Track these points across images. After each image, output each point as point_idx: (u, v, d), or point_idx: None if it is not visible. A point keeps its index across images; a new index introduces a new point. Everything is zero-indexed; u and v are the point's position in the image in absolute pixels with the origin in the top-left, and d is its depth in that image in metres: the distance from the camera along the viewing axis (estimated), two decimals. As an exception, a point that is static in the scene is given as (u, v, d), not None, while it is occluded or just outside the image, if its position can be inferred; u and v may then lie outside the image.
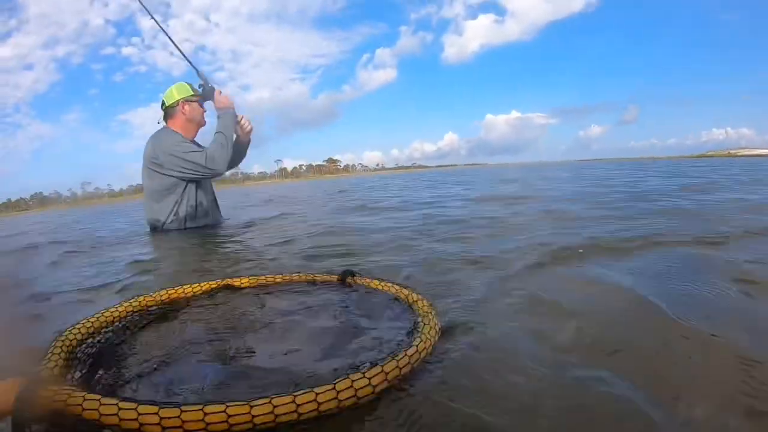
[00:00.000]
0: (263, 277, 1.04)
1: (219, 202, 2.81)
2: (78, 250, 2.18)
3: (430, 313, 0.71)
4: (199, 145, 2.50)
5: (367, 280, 0.95)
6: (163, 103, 2.57)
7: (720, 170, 7.44)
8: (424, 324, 0.66)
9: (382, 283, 0.91)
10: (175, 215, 2.50)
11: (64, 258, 1.96)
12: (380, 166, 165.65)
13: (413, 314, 0.74)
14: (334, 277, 1.00)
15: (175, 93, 2.55)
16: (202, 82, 2.62)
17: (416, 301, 0.78)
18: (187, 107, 2.54)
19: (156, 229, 2.55)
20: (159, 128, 2.56)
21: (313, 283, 1.02)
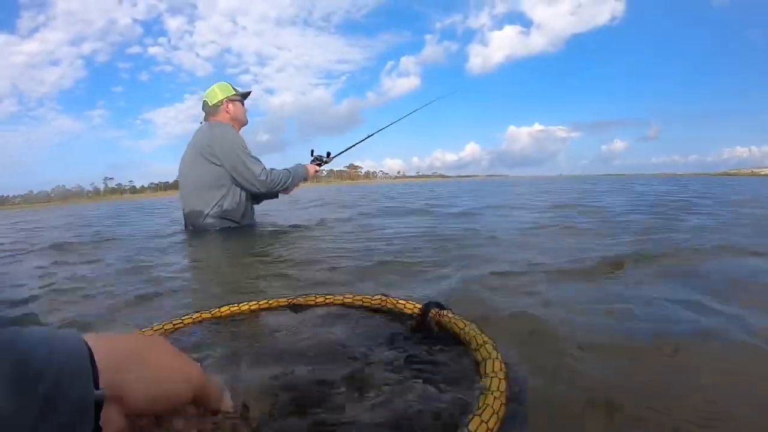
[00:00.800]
0: (334, 296, 0.89)
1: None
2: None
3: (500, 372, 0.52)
4: (257, 159, 2.49)
5: (453, 319, 0.69)
6: (205, 103, 2.58)
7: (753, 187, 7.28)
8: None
9: (467, 327, 0.65)
10: (218, 208, 2.44)
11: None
12: (401, 173, 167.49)
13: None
14: (416, 307, 0.77)
15: (218, 92, 2.57)
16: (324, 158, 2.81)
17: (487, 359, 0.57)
18: (231, 106, 2.57)
19: (194, 223, 2.50)
20: (211, 123, 2.53)
21: (384, 309, 0.82)
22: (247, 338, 0.76)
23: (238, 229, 2.49)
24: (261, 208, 2.91)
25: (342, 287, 1.07)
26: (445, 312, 0.69)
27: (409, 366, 0.60)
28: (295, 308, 0.88)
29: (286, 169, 2.55)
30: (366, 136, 3.15)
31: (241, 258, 1.67)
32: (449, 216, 2.94)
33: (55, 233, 3.39)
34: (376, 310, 0.83)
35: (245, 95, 2.70)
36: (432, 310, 0.71)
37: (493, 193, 6.69)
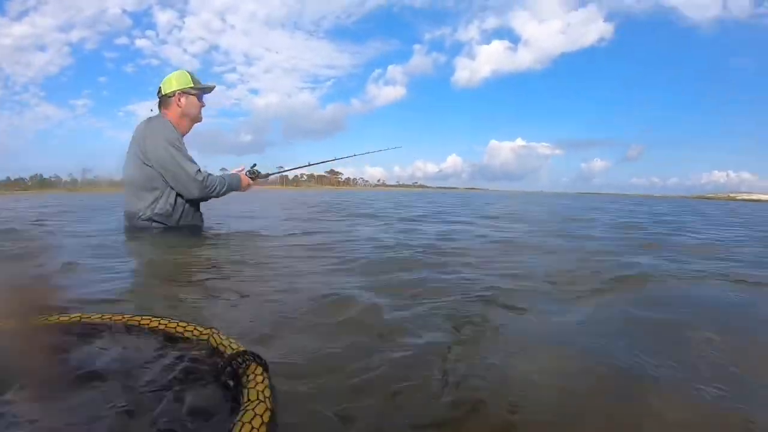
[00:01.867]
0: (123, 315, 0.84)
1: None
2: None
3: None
4: (191, 159, 2.36)
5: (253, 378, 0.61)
6: (159, 90, 2.46)
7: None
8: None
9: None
10: (151, 210, 2.35)
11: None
12: (381, 182, 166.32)
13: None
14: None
15: (173, 82, 2.44)
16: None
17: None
18: (183, 100, 2.43)
19: (131, 224, 2.42)
20: (153, 115, 2.43)
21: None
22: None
23: (171, 230, 2.38)
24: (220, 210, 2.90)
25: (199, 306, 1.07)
26: (255, 370, 0.60)
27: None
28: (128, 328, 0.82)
29: (222, 176, 2.43)
30: (305, 164, 3.16)
31: (151, 263, 1.69)
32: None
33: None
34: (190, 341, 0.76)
35: (204, 89, 2.52)
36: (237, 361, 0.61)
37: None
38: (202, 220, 2.62)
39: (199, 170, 2.31)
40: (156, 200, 2.36)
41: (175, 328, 0.78)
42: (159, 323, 0.80)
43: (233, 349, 0.67)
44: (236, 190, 2.53)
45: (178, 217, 2.41)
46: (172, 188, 2.35)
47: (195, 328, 0.77)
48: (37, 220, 3.51)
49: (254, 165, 2.69)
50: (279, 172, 2.93)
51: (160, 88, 2.46)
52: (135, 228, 2.39)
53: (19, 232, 2.64)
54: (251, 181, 2.62)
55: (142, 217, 2.36)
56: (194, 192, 2.32)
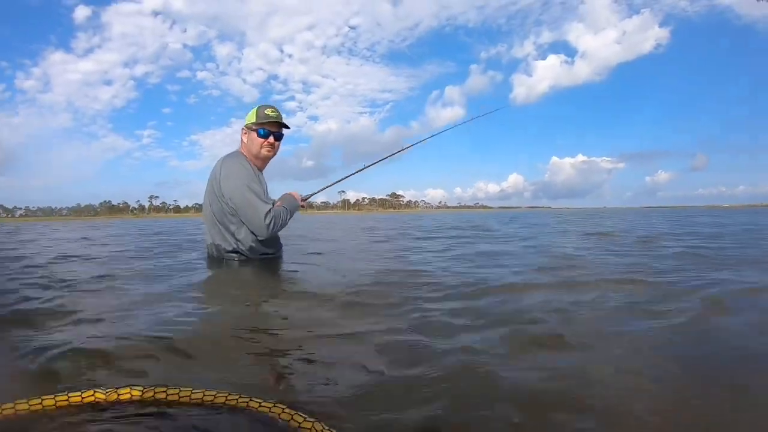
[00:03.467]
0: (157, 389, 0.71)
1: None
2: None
3: None
4: (264, 200, 2.33)
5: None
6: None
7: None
8: None
9: None
10: (231, 245, 2.44)
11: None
12: (443, 203, 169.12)
13: None
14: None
15: (246, 118, 2.51)
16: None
17: None
18: (245, 137, 2.49)
19: (215, 255, 2.52)
20: (228, 155, 2.49)
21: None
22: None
23: (251, 262, 2.46)
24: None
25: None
26: None
27: None
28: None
29: (283, 207, 2.41)
30: (350, 174, 3.00)
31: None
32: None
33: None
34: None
35: (261, 123, 2.44)
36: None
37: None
38: (280, 249, 2.73)
39: (269, 212, 2.29)
40: (235, 233, 2.42)
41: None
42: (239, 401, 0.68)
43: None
44: (296, 211, 2.58)
45: (259, 249, 2.47)
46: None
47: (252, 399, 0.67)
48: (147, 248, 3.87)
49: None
50: (322, 189, 2.89)
51: None
52: (218, 259, 2.49)
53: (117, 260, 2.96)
54: (304, 199, 2.68)
55: (225, 249, 2.46)
56: (263, 234, 2.33)
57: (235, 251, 2.45)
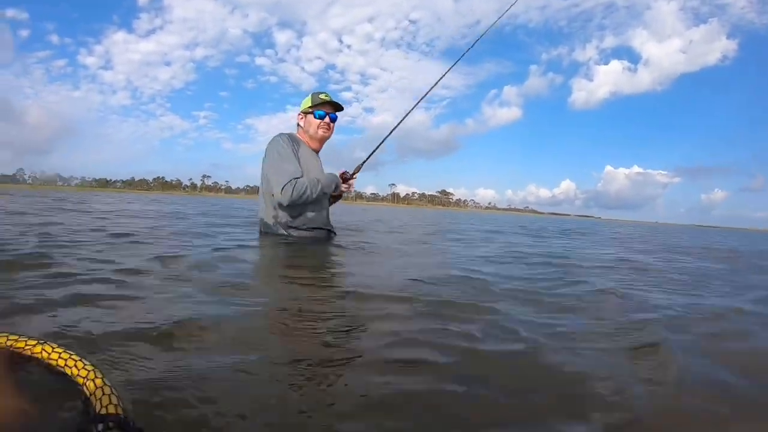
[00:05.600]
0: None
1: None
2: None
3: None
4: (291, 172, 2.44)
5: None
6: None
7: None
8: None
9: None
10: (275, 219, 2.59)
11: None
12: (492, 204, 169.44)
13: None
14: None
15: (302, 104, 2.75)
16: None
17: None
18: (302, 120, 2.73)
19: (262, 230, 2.71)
20: (283, 132, 2.68)
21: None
22: None
23: (295, 237, 2.56)
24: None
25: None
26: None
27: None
28: None
29: (316, 179, 2.53)
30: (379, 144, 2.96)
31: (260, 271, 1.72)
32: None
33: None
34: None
35: (316, 105, 2.67)
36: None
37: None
38: (329, 231, 2.77)
39: (289, 182, 2.40)
40: (277, 208, 2.58)
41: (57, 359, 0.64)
42: (44, 350, 0.66)
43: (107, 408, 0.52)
44: (336, 189, 2.70)
45: (291, 223, 2.58)
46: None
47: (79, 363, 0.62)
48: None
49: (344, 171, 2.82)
50: (364, 161, 2.92)
51: None
52: (265, 234, 2.67)
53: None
54: (349, 181, 2.79)
55: (268, 223, 2.64)
56: (280, 199, 2.45)
57: (275, 225, 2.61)
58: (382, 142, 2.98)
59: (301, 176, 2.48)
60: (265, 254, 2.26)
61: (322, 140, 2.75)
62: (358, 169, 2.86)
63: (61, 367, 0.63)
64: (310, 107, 2.69)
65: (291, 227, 2.58)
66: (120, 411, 0.53)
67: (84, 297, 1.08)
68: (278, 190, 2.43)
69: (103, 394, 0.55)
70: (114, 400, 0.54)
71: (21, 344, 0.68)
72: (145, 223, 3.63)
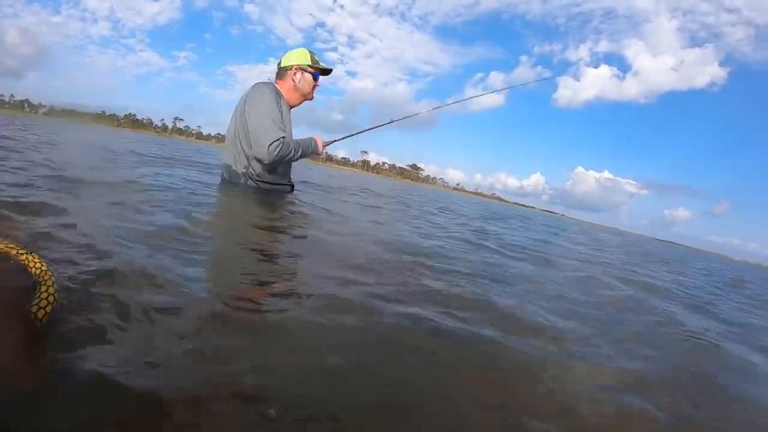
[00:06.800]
0: None
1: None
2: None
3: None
4: (281, 128, 2.39)
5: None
6: (279, 63, 2.67)
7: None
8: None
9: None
10: (246, 166, 2.50)
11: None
12: (460, 186, 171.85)
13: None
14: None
15: (293, 57, 2.63)
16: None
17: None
18: (299, 75, 2.61)
19: (226, 178, 2.63)
20: (264, 81, 2.59)
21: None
22: None
23: (263, 190, 2.53)
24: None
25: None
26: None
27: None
28: None
29: (297, 141, 2.50)
30: (378, 125, 2.98)
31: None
32: None
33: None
34: None
35: (322, 71, 2.68)
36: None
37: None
38: (291, 186, 2.77)
39: (279, 138, 2.35)
40: (248, 156, 2.49)
41: None
42: None
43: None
44: (312, 153, 2.65)
45: (266, 177, 2.54)
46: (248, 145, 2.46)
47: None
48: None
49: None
50: (347, 136, 2.91)
51: (280, 60, 2.68)
52: (230, 183, 2.59)
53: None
54: (326, 144, 2.74)
55: (236, 171, 2.54)
56: (264, 156, 2.37)
57: (244, 175, 2.54)
58: (359, 132, 2.97)
59: (286, 135, 2.43)
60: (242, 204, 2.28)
61: (304, 101, 2.71)
62: (337, 140, 2.84)
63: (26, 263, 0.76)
64: (310, 66, 2.63)
65: (259, 180, 2.54)
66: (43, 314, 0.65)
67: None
68: (265, 146, 2.34)
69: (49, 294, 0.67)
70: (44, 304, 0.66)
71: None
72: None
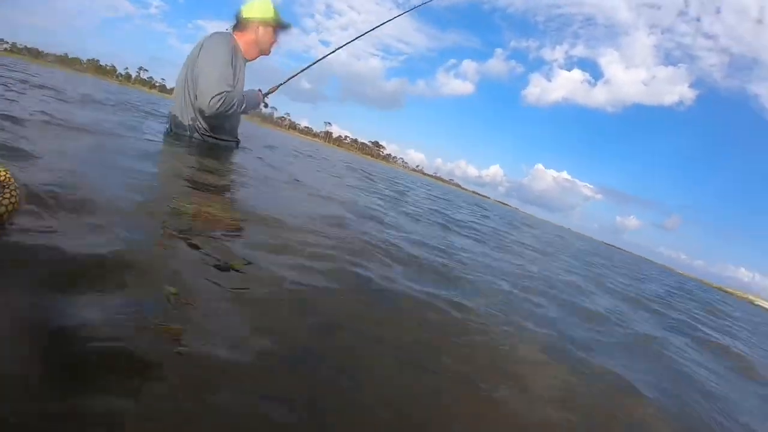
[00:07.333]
0: None
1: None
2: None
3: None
4: (227, 83, 2.28)
5: None
6: (239, 12, 2.51)
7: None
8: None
9: None
10: (192, 118, 2.41)
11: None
12: (419, 168, 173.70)
13: None
14: None
15: (255, 9, 2.49)
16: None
17: None
18: (261, 29, 2.50)
19: (175, 128, 2.49)
20: (222, 31, 2.47)
21: None
22: None
23: (209, 143, 2.46)
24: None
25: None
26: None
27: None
28: None
29: (242, 95, 2.40)
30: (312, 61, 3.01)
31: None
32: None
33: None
34: None
35: (282, 26, 2.59)
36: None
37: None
38: (236, 142, 2.74)
39: (222, 92, 2.24)
40: (198, 111, 2.37)
41: None
42: None
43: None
44: (254, 108, 2.58)
45: (212, 131, 2.47)
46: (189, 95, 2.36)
47: None
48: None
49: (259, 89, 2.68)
50: (285, 82, 2.81)
51: (240, 9, 2.51)
52: (176, 134, 2.49)
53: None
54: (265, 96, 2.68)
55: (182, 123, 2.44)
56: (205, 107, 2.26)
57: (190, 128, 2.46)
58: (301, 71, 2.93)
59: (233, 89, 2.33)
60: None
61: (260, 56, 2.62)
62: (272, 90, 2.74)
63: None
64: (274, 21, 2.55)
65: (206, 134, 2.48)
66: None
67: None
68: (207, 98, 2.23)
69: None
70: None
71: None
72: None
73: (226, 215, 1.29)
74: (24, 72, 6.10)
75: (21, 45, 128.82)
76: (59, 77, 8.75)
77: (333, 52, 3.12)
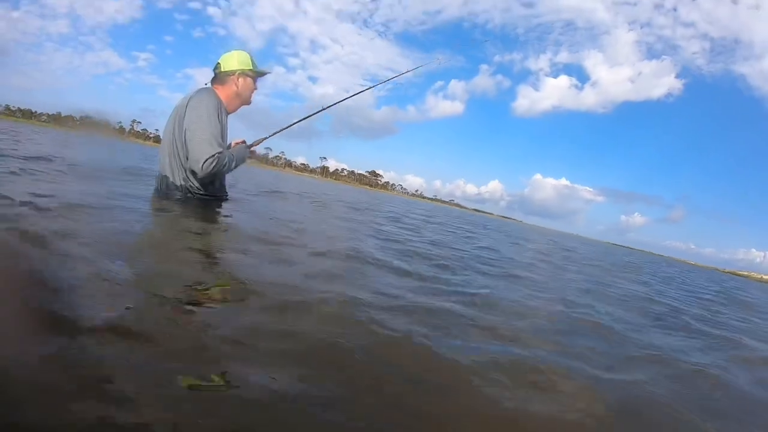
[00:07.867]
0: None
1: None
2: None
3: None
4: (218, 143, 2.31)
5: None
6: (218, 66, 2.53)
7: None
8: None
9: None
10: (184, 180, 2.41)
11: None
12: (419, 192, 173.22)
13: None
14: None
15: (235, 62, 2.52)
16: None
17: None
18: (241, 81, 2.52)
19: (163, 187, 2.48)
20: (205, 87, 2.49)
21: None
22: None
23: (201, 199, 2.46)
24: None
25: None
26: None
27: None
28: None
29: (231, 153, 2.44)
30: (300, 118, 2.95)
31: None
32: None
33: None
34: None
35: (261, 74, 2.63)
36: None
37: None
38: (226, 195, 2.73)
39: (214, 155, 2.26)
40: (186, 168, 2.39)
41: None
42: None
43: None
44: (243, 162, 2.59)
45: (206, 189, 2.48)
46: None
47: None
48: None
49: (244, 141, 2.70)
50: (269, 136, 2.85)
51: (218, 63, 2.53)
52: (166, 193, 2.47)
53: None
54: (253, 149, 2.73)
55: (174, 183, 2.43)
56: (197, 170, 2.29)
57: (182, 188, 2.45)
58: (288, 127, 2.91)
59: (224, 149, 2.36)
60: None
61: (242, 106, 2.65)
62: (257, 143, 2.77)
63: None
64: (251, 71, 2.57)
65: (198, 193, 2.48)
66: None
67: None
68: (200, 161, 2.26)
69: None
70: None
71: None
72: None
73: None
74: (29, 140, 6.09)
75: (14, 107, 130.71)
76: (55, 138, 8.89)
77: (313, 114, 3.08)
